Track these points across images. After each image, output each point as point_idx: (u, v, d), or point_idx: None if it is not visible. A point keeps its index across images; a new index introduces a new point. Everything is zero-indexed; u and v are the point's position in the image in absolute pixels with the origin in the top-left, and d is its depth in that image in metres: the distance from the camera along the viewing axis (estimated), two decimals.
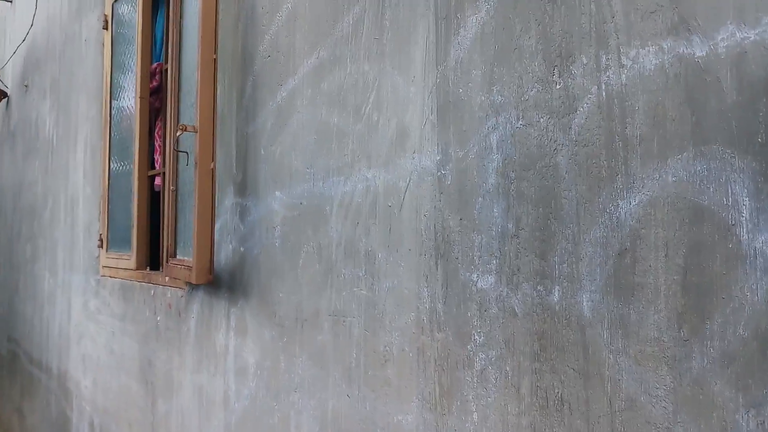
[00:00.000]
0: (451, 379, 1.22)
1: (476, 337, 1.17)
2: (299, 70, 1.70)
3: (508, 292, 1.12)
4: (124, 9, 3.07)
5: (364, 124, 1.48)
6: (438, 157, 1.29)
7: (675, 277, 0.87)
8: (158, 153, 3.04)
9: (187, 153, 1.93)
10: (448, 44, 1.27)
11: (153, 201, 2.83)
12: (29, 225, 4.75)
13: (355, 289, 1.48)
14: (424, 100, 1.32)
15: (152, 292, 2.59)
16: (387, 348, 1.38)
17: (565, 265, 1.02)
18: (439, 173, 1.28)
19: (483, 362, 1.16)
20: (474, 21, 1.21)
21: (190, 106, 2.11)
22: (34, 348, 4.45)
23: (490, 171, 1.17)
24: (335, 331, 1.54)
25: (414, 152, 1.35)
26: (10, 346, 5.14)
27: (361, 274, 1.47)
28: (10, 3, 5.54)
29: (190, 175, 2.06)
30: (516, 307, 1.10)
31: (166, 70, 2.95)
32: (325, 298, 1.58)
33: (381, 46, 1.43)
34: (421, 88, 1.33)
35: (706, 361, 0.83)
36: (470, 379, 1.18)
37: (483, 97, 1.19)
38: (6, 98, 5.48)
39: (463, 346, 1.20)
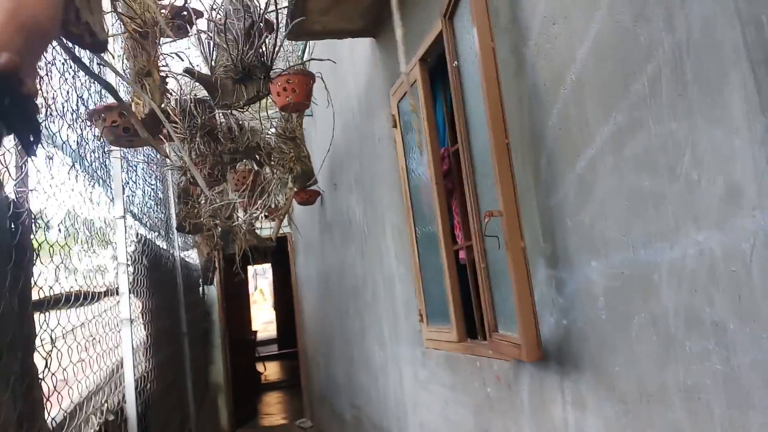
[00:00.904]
0: None
1: None
2: (596, 138, 1.68)
3: None
4: (407, 105, 3.41)
5: (683, 184, 1.39)
6: None
7: None
8: (458, 229, 3.24)
9: (497, 237, 2.02)
10: None
11: (460, 273, 3.01)
12: (355, 303, 5.40)
13: (706, 363, 1.36)
14: (754, 153, 1.20)
15: (477, 363, 2.71)
16: (764, 429, 1.23)
17: None
18: None
19: None
20: None
21: (487, 188, 2.22)
22: (374, 414, 4.96)
23: None
24: (689, 409, 1.43)
25: (753, 209, 1.21)
26: (354, 412, 5.82)
27: (710, 347, 1.35)
28: (311, 116, 6.56)
29: (499, 254, 2.15)
30: None
31: (453, 153, 3.17)
32: (669, 372, 1.48)
33: (687, 102, 1.34)
34: (748, 139, 1.21)
35: None
36: None
37: None
38: (320, 196, 6.43)
39: None
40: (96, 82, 2.45)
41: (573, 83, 1.75)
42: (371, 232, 4.50)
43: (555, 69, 1.83)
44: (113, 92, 1.86)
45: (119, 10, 2.05)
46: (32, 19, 0.41)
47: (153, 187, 4.77)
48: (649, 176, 1.49)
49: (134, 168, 3.86)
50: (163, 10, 2.24)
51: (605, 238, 1.69)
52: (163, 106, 2.04)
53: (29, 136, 0.42)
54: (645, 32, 1.44)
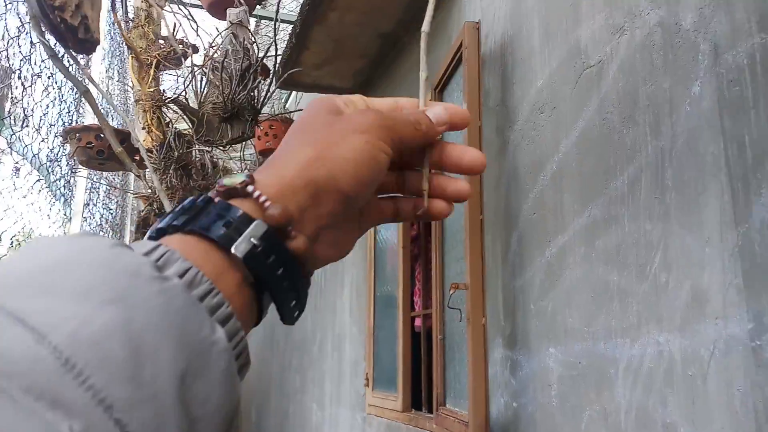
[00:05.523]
0: None
1: None
2: (569, 228, 1.72)
3: None
4: None
5: (650, 284, 1.42)
6: (750, 326, 1.17)
7: None
8: (418, 296, 3.23)
9: (459, 310, 2.02)
10: (748, 205, 1.19)
11: (412, 340, 2.98)
12: (299, 357, 5.27)
13: None
14: (723, 263, 1.24)
15: None
16: None
17: None
18: (753, 344, 1.16)
19: None
20: None
21: (454, 260, 2.23)
22: None
23: None
24: None
25: (716, 318, 1.24)
26: None
27: None
28: None
29: (457, 327, 2.14)
30: None
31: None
32: None
33: (664, 206, 1.39)
34: (719, 250, 1.25)
35: None
36: None
37: None
38: None
39: None
40: (78, 92, 2.41)
41: (553, 171, 1.80)
42: (328, 285, 4.45)
43: (537, 155, 1.88)
44: (94, 107, 1.83)
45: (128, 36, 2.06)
46: (327, 174, 0.36)
47: (111, 212, 4.65)
48: (618, 272, 1.52)
49: (96, 190, 3.77)
50: (161, 41, 2.25)
51: (567, 327, 1.70)
52: (169, 138, 2.02)
53: (293, 306, 0.36)
54: (631, 134, 1.50)
